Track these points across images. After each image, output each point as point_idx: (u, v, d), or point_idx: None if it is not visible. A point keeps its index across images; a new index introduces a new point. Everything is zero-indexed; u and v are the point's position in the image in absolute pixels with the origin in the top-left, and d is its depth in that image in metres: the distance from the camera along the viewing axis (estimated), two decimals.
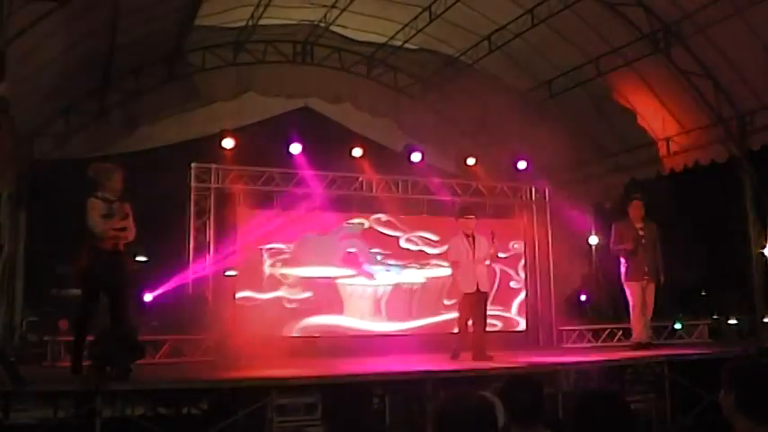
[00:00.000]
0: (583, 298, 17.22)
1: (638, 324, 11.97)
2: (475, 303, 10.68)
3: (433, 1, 13.92)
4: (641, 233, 11.87)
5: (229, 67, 15.75)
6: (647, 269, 11.78)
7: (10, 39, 8.64)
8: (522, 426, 4.25)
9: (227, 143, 14.32)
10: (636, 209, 12.05)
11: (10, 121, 8.34)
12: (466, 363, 9.84)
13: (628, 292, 11.97)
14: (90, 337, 8.60)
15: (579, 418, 3.34)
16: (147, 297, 14.15)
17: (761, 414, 3.12)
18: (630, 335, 12.43)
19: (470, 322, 10.86)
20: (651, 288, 11.87)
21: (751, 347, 10.76)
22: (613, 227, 12.20)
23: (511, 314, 15.82)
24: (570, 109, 15.86)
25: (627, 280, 11.95)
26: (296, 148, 14.64)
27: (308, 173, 14.62)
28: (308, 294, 14.32)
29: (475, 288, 10.66)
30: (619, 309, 14.93)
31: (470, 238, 10.85)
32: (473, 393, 3.21)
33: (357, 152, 15.47)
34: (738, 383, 3.22)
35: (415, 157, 15.73)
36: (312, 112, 16.47)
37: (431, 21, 14.40)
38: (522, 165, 16.37)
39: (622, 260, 12.02)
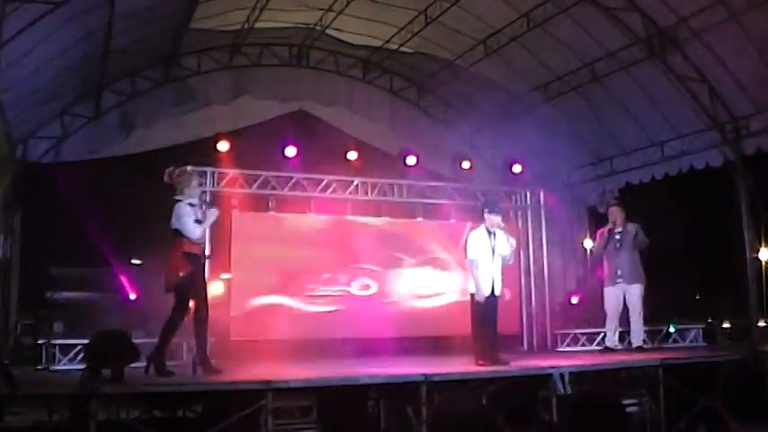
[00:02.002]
0: (574, 300, 17.21)
1: (609, 329, 12.16)
2: (488, 306, 10.02)
3: (428, 5, 13.95)
4: (617, 237, 11.98)
5: (225, 70, 15.78)
6: (619, 273, 11.87)
7: (5, 41, 8.65)
8: (516, 429, 4.26)
9: (223, 146, 14.32)
10: (613, 215, 12.21)
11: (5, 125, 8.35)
12: (460, 366, 9.80)
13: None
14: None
15: (575, 420, 3.34)
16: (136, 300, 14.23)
17: (749, 415, 3.15)
18: (626, 339, 12.44)
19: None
20: (633, 290, 11.89)
21: (747, 352, 10.76)
22: (597, 235, 12.49)
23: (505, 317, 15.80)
24: (565, 113, 15.88)
25: (604, 285, 12.20)
26: (291, 152, 14.63)
27: (303, 176, 14.62)
28: (302, 297, 14.35)
29: (490, 290, 9.99)
30: None
31: (492, 235, 10.07)
32: (468, 397, 3.22)
33: (352, 155, 15.48)
34: (726, 387, 3.25)
35: (411, 160, 15.74)
36: (307, 116, 16.46)
37: (426, 24, 14.43)
38: (517, 168, 16.40)
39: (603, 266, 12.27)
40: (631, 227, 12.07)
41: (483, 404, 3.21)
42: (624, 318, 12.14)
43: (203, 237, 9.00)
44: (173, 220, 8.78)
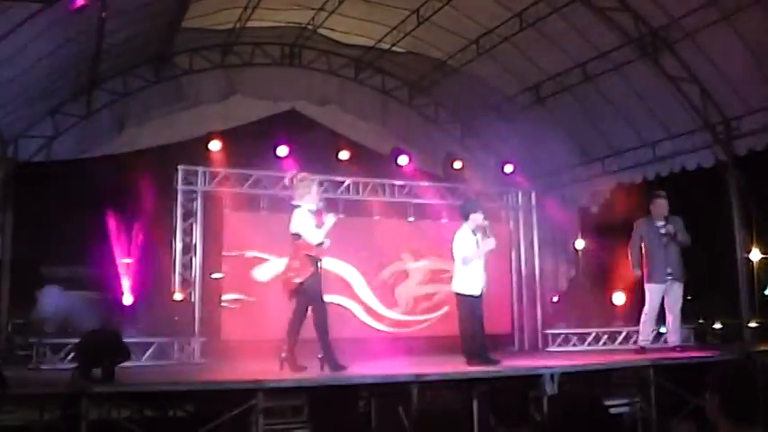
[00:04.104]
0: (555, 299, 17.24)
1: (646, 328, 11.52)
2: (476, 305, 9.97)
3: (421, 4, 13.94)
4: (663, 232, 11.28)
5: (217, 69, 15.75)
6: (669, 270, 11.15)
7: None
8: (507, 428, 4.27)
9: (214, 145, 14.33)
10: (658, 207, 11.42)
11: None
12: (451, 366, 9.80)
13: (646, 294, 11.38)
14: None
15: (562, 421, 3.34)
16: (127, 299, 14.21)
17: (742, 416, 3.17)
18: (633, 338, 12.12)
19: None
20: (676, 287, 11.26)
21: (738, 352, 10.76)
22: (634, 225, 11.64)
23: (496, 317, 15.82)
24: (557, 113, 15.89)
25: (647, 282, 11.33)
26: (283, 151, 14.64)
27: None
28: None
29: (480, 290, 9.98)
30: (606, 312, 15.01)
31: (476, 235, 10.06)
32: (459, 397, 3.22)
33: (344, 155, 15.50)
34: (722, 387, 3.26)
35: (402, 160, 15.77)
36: (299, 115, 16.43)
37: (419, 24, 14.42)
38: (508, 168, 16.43)
39: (644, 262, 11.39)
40: (678, 221, 11.39)
41: (473, 403, 3.21)
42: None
43: (324, 241, 9.14)
44: (292, 224, 9.07)
